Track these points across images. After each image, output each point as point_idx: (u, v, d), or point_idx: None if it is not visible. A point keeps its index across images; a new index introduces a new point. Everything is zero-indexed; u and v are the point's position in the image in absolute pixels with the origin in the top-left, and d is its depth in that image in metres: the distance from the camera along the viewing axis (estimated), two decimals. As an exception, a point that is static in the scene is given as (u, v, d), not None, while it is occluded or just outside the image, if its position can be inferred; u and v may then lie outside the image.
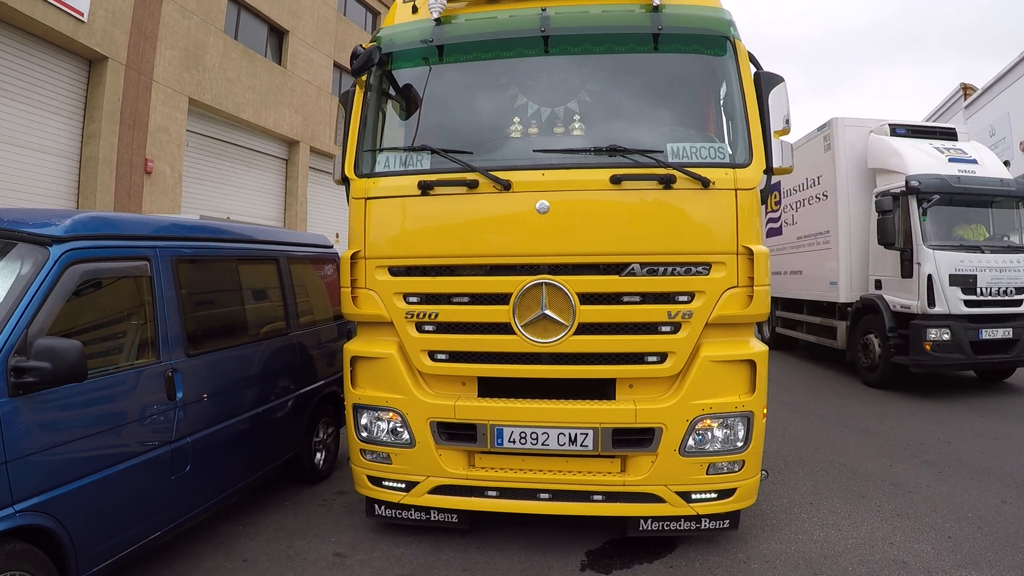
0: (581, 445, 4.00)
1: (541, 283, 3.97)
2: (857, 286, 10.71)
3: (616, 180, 3.91)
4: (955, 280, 9.01)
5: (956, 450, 6.63)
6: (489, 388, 4.22)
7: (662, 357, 3.99)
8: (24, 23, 10.56)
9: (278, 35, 20.10)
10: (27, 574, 2.96)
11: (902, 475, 5.81)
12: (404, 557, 4.33)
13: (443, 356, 4.19)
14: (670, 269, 3.94)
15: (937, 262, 9.02)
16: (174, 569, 4.19)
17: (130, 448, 3.61)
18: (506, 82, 4.44)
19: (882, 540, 4.44)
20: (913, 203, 9.23)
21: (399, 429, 4.28)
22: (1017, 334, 9.22)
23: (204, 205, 16.95)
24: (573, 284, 3.95)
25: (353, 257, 4.31)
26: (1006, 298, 9.17)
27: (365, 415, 4.39)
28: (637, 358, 4.00)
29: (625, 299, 3.97)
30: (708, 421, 4.00)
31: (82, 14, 11.24)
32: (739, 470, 4.04)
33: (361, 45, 4.26)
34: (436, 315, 4.15)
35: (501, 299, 4.03)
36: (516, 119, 4.31)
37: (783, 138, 4.21)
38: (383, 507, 4.51)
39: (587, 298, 3.96)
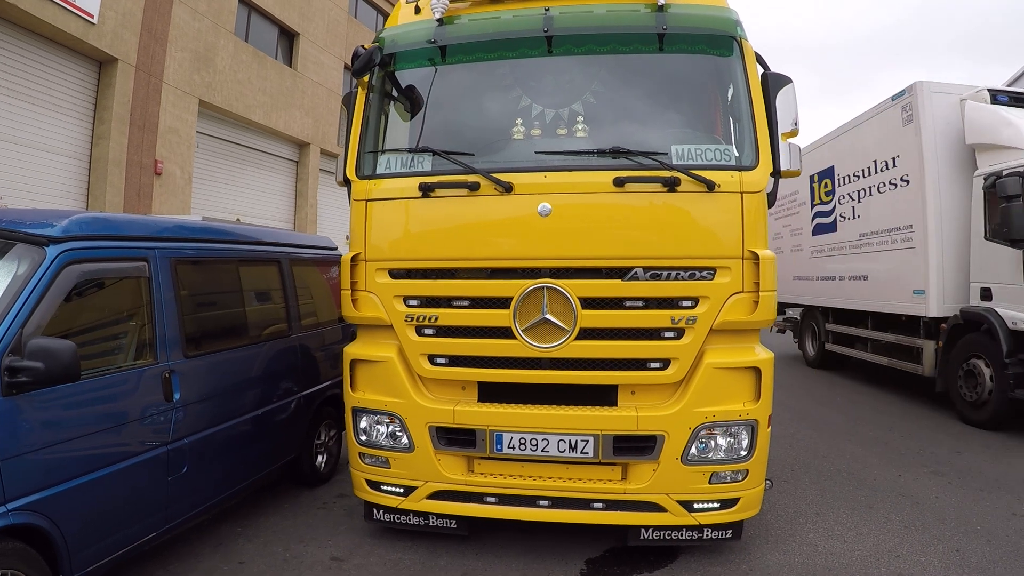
0: (581, 452, 3.94)
1: (542, 287, 3.92)
2: (953, 296, 8.43)
3: (619, 183, 3.85)
4: None
5: (967, 460, 6.51)
6: (489, 393, 4.17)
7: (665, 363, 3.92)
8: (34, 25, 10.63)
9: (288, 37, 20.18)
10: (20, 573, 2.95)
11: (910, 485, 5.70)
12: (401, 563, 4.28)
13: (443, 360, 4.15)
14: (674, 274, 3.88)
15: None
16: (170, 570, 4.16)
17: (126, 449, 3.58)
18: (509, 83, 4.40)
19: (888, 553, 4.35)
20: None
21: (398, 433, 4.24)
22: None
23: (214, 206, 17.00)
24: (575, 288, 3.90)
25: (353, 259, 4.28)
26: None
27: (364, 419, 4.35)
28: (639, 364, 3.94)
29: (627, 304, 3.91)
30: (711, 429, 3.93)
31: (92, 16, 11.30)
32: (743, 480, 3.97)
33: (363, 46, 4.23)
34: (436, 319, 4.10)
35: (502, 303, 3.98)
36: (519, 120, 4.27)
37: (791, 140, 4.15)
38: (381, 511, 4.46)
39: (589, 303, 3.90)
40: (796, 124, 4.13)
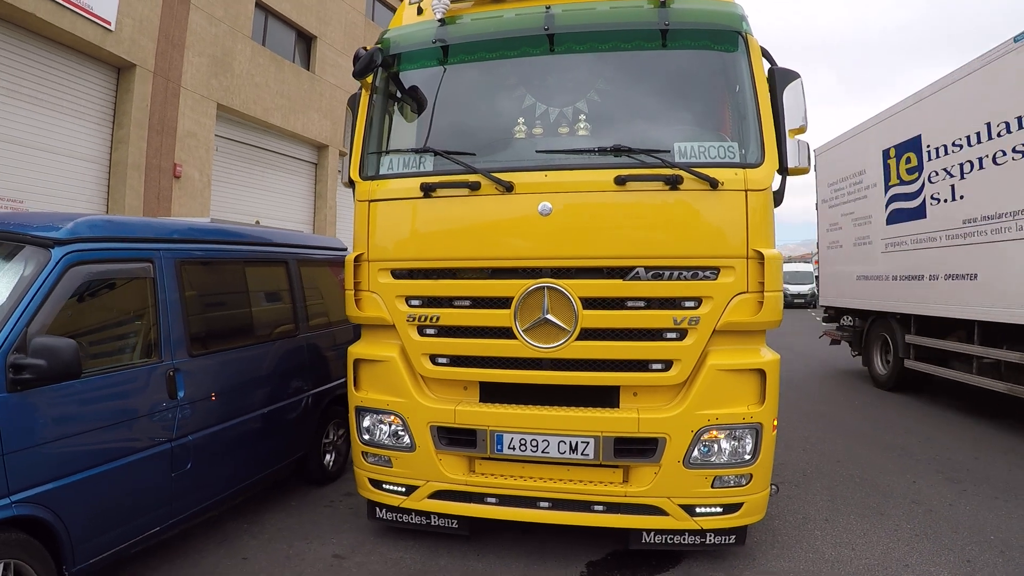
0: (582, 454, 3.92)
1: (543, 287, 3.91)
2: None
3: (620, 181, 3.83)
4: None
5: (984, 467, 6.37)
6: (491, 393, 4.16)
7: (667, 365, 3.88)
8: (53, 34, 10.82)
9: (306, 41, 20.32)
10: (23, 563, 3.03)
11: (924, 492, 5.59)
12: (402, 562, 4.28)
13: (444, 360, 4.15)
14: (676, 273, 3.84)
15: None
16: (175, 564, 4.21)
17: (129, 444, 3.64)
18: (511, 82, 4.40)
19: (896, 562, 4.25)
20: None
21: (400, 433, 4.24)
22: None
23: (234, 209, 17.17)
24: (575, 288, 3.88)
25: (357, 260, 4.30)
26: None
27: (367, 418, 4.37)
28: (641, 365, 3.91)
29: (629, 304, 3.88)
30: (714, 432, 3.88)
31: (109, 23, 11.49)
32: (746, 484, 3.91)
33: (364, 48, 4.25)
34: (437, 318, 4.11)
35: (502, 303, 3.97)
36: (521, 119, 4.26)
37: (800, 136, 4.09)
38: (384, 510, 4.47)
39: (590, 303, 3.88)
40: (804, 120, 4.07)
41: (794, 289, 37.16)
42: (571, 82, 4.33)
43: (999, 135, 7.44)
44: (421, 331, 4.16)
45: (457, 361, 4.13)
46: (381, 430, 4.33)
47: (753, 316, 3.83)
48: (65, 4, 10.53)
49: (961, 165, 8.22)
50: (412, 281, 4.18)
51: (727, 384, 3.88)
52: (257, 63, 17.22)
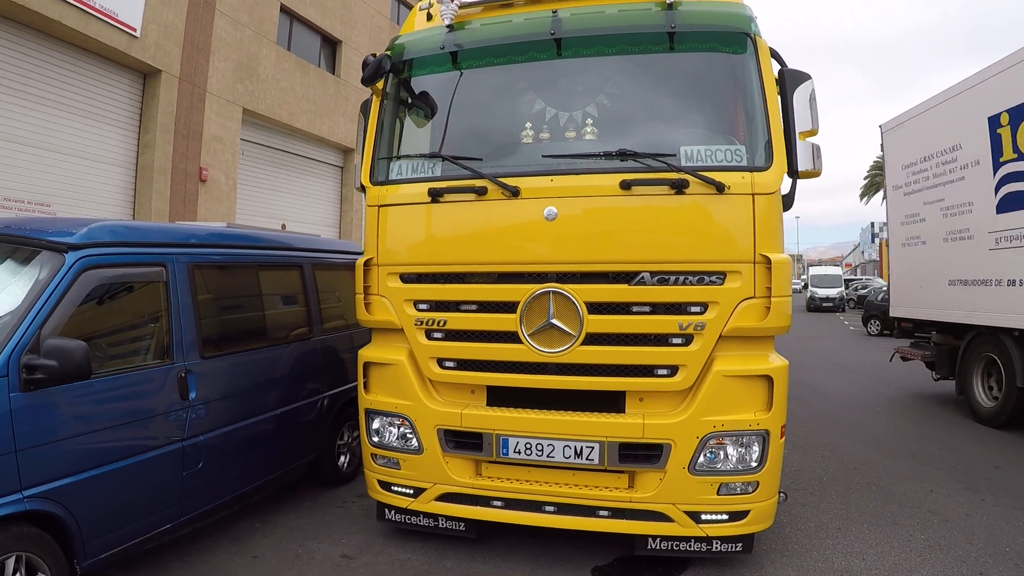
0: (587, 459, 3.92)
1: (548, 291, 3.91)
2: None
3: (626, 185, 3.82)
4: None
5: (1004, 476, 6.22)
6: (498, 397, 4.18)
7: (672, 370, 3.87)
8: (80, 40, 11.10)
9: (331, 45, 20.56)
10: (34, 556, 3.12)
11: (941, 501, 5.48)
12: (409, 563, 4.31)
13: (451, 364, 4.18)
14: (682, 278, 3.83)
15: None
16: (187, 560, 4.30)
17: (141, 443, 3.73)
18: (519, 87, 4.42)
19: (907, 573, 4.16)
20: None
21: (408, 435, 4.28)
22: None
23: (259, 212, 17.42)
24: (580, 293, 3.88)
25: (366, 264, 4.35)
26: None
27: (376, 420, 4.42)
28: (646, 371, 3.89)
29: (634, 309, 3.87)
30: (720, 439, 3.85)
31: (135, 29, 11.75)
32: (753, 491, 3.87)
33: (372, 54, 4.30)
34: (444, 322, 4.14)
35: (508, 307, 3.99)
36: (528, 124, 4.27)
37: (811, 139, 4.05)
38: (393, 512, 4.51)
39: (595, 307, 3.88)
40: (816, 123, 4.03)
41: (822, 293, 36.72)
42: (578, 86, 4.34)
43: None
44: (429, 335, 4.19)
45: (464, 365, 4.15)
46: (390, 432, 4.37)
47: (760, 322, 3.80)
48: (91, 11, 10.79)
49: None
50: (420, 285, 4.22)
51: (734, 390, 3.85)
52: (282, 68, 17.46)
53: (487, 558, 4.37)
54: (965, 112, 8.56)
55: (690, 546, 4.02)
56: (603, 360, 3.90)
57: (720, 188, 3.76)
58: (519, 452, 4.01)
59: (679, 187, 3.78)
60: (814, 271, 42.60)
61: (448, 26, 4.36)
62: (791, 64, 4.16)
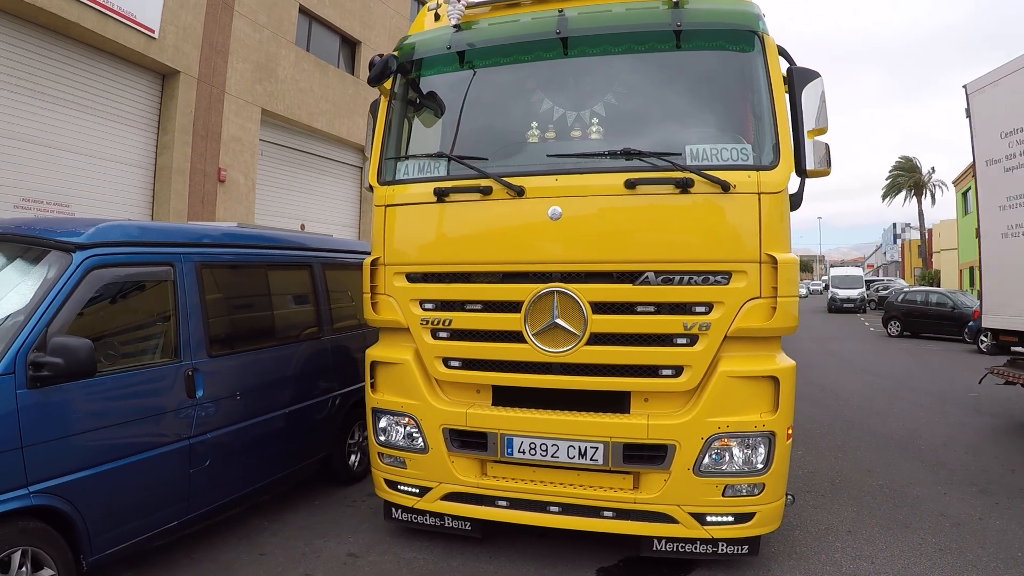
0: (591, 459, 3.90)
1: (552, 291, 3.90)
2: None
3: (631, 184, 3.80)
4: None
5: (1020, 480, 6.10)
6: (503, 397, 4.18)
7: (677, 371, 3.84)
8: (98, 42, 11.24)
9: (350, 46, 20.66)
10: (40, 551, 3.18)
11: (954, 505, 5.38)
12: (415, 562, 4.32)
13: (456, 363, 4.18)
14: (687, 278, 3.79)
15: None
16: (195, 557, 4.35)
17: (147, 440, 3.78)
18: (525, 87, 4.40)
19: (917, 577, 4.11)
20: None
21: (414, 434, 4.29)
22: None
23: (278, 212, 17.55)
24: (585, 293, 3.86)
25: (373, 263, 4.37)
26: None
27: (383, 419, 4.44)
28: (650, 371, 3.87)
29: (638, 309, 3.85)
30: (725, 440, 3.81)
31: (153, 31, 11.89)
32: (759, 493, 3.83)
33: (379, 54, 4.32)
34: (450, 322, 4.15)
35: (513, 307, 3.99)
36: (534, 124, 4.26)
37: (820, 137, 4.00)
38: (400, 511, 4.52)
39: (599, 307, 3.86)
40: (824, 121, 3.98)
41: (843, 294, 36.40)
42: (584, 86, 4.31)
43: None
44: (434, 334, 4.20)
45: (469, 364, 4.16)
46: (396, 431, 4.39)
47: (766, 322, 3.75)
48: (109, 13, 10.94)
49: None
50: (426, 285, 4.23)
51: (739, 391, 3.81)
52: (301, 68, 17.58)
53: (492, 558, 4.37)
54: None
55: (695, 548, 3.99)
56: (607, 360, 3.88)
57: (725, 187, 3.73)
58: (524, 452, 4.00)
59: (684, 186, 3.75)
60: (835, 272, 42.20)
61: (455, 26, 4.37)
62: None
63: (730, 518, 3.85)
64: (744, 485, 3.82)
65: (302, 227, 17.05)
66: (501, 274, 4.06)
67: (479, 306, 4.10)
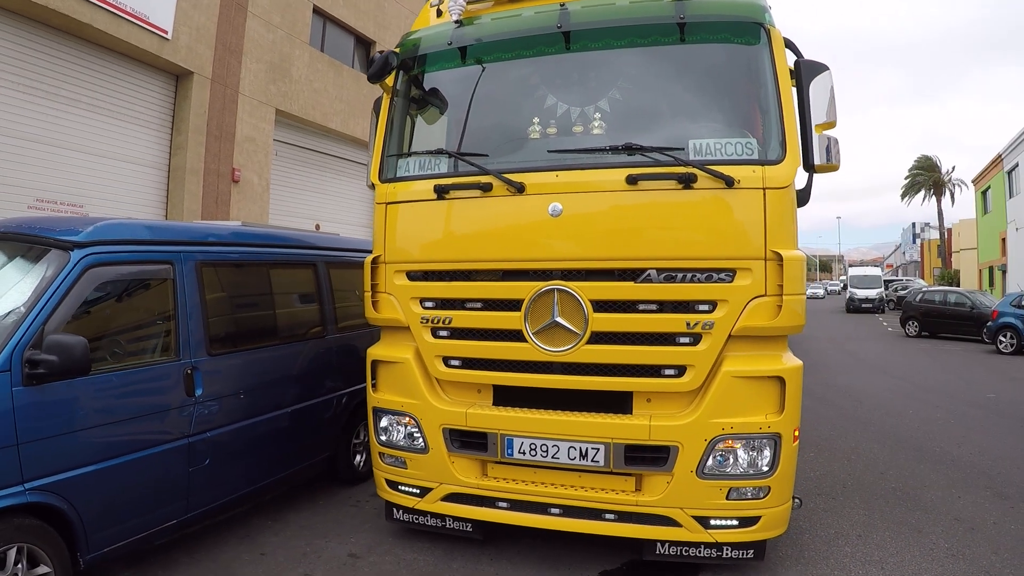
0: (592, 460, 3.83)
1: (553, 289, 3.84)
2: None
3: (632, 180, 3.73)
4: None
5: (1040, 483, 5.94)
6: (504, 396, 4.12)
7: (680, 371, 3.76)
8: (111, 43, 11.31)
9: (365, 46, 20.70)
10: (36, 548, 3.18)
11: (968, 509, 5.25)
12: (415, 563, 4.28)
13: (456, 362, 4.13)
14: (689, 275, 3.71)
15: None
16: (195, 556, 4.34)
17: (145, 438, 3.77)
18: (527, 83, 4.34)
19: (927, 583, 4.00)
20: None
21: (415, 434, 4.25)
22: None
23: (293, 212, 17.62)
24: (586, 291, 3.80)
25: (374, 261, 4.34)
26: None
27: (384, 418, 4.40)
28: (653, 371, 3.79)
29: (640, 307, 3.77)
30: (729, 442, 3.72)
31: (166, 32, 11.96)
32: (764, 497, 3.74)
33: (380, 51, 4.28)
34: (450, 320, 4.10)
35: (513, 305, 3.93)
36: (536, 119, 4.20)
37: (828, 132, 3.90)
38: (401, 511, 4.49)
39: (600, 305, 3.79)
40: (833, 115, 3.88)
41: (861, 294, 36.04)
42: (587, 80, 4.25)
43: None
44: (434, 333, 4.16)
45: (469, 364, 4.11)
46: (397, 431, 4.35)
47: (771, 321, 3.66)
48: (121, 14, 11.01)
49: None
50: (426, 283, 4.19)
51: (744, 392, 3.72)
52: (315, 68, 17.64)
53: (493, 560, 4.32)
54: None
55: (699, 552, 3.90)
56: (609, 360, 3.81)
57: (729, 182, 3.64)
58: (524, 453, 3.95)
59: (687, 181, 3.68)
60: (853, 272, 41.74)
61: (456, 21, 4.33)
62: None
63: (734, 522, 3.76)
64: (749, 488, 3.73)
65: (317, 227, 17.10)
66: (501, 272, 4.00)
67: (479, 304, 4.05)
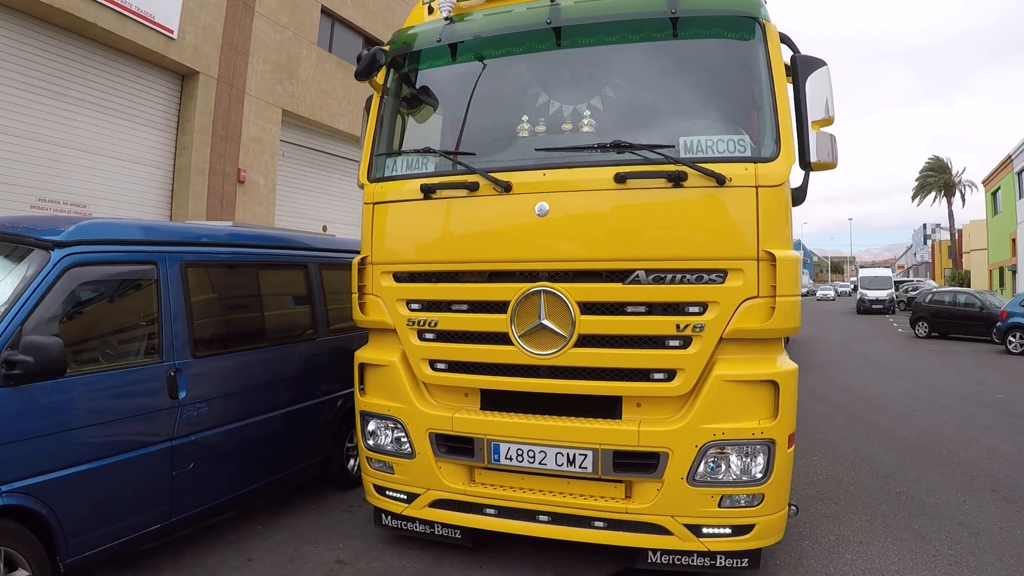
0: (580, 467, 3.74)
1: (539, 291, 3.75)
2: None
3: (620, 179, 3.64)
4: None
5: (1048, 487, 5.78)
6: (491, 401, 4.04)
7: (670, 374, 3.65)
8: (117, 43, 11.34)
9: (373, 46, 20.69)
10: (14, 552, 3.13)
11: (973, 513, 5.11)
12: (403, 570, 4.21)
13: (443, 366, 4.06)
14: (679, 276, 3.61)
15: None
16: (181, 561, 4.28)
17: (127, 441, 3.73)
18: (517, 80, 4.26)
19: (930, 593, 3.88)
20: None
21: (401, 439, 4.18)
22: None
23: (299, 213, 17.62)
24: (573, 292, 3.70)
25: (361, 263, 4.27)
26: None
27: (371, 423, 4.33)
28: (642, 375, 3.69)
29: (629, 309, 3.67)
30: (721, 448, 3.62)
31: (172, 32, 11.97)
32: (758, 504, 3.62)
33: (366, 48, 4.22)
34: (436, 323, 4.02)
35: (499, 307, 3.85)
36: (525, 117, 4.11)
37: (826, 128, 3.78)
38: (389, 517, 4.41)
39: (588, 307, 3.70)
40: (831, 111, 3.76)
41: (872, 295, 35.82)
42: (577, 77, 4.16)
43: None
44: (420, 336, 4.08)
45: (455, 367, 4.03)
46: (384, 435, 4.28)
47: (764, 323, 3.55)
48: (127, 13, 11.03)
49: None
50: (412, 284, 4.12)
51: (736, 396, 3.61)
52: (323, 69, 17.62)
53: (483, 567, 4.24)
54: None
55: (692, 561, 3.80)
56: (596, 363, 3.71)
57: (720, 180, 3.54)
58: (510, 458, 3.86)
59: (677, 180, 3.58)
60: (863, 272, 41.47)
61: (447, 19, 4.25)
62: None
63: (727, 530, 3.65)
64: (742, 496, 3.62)
65: (324, 228, 17.08)
66: (487, 273, 3.92)
67: (465, 306, 3.97)
